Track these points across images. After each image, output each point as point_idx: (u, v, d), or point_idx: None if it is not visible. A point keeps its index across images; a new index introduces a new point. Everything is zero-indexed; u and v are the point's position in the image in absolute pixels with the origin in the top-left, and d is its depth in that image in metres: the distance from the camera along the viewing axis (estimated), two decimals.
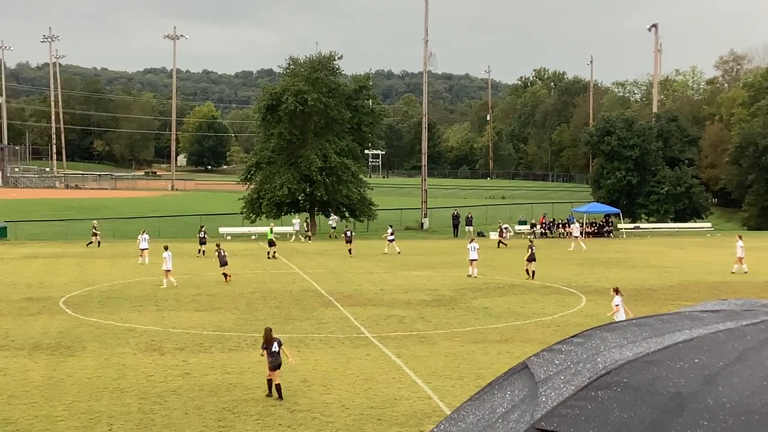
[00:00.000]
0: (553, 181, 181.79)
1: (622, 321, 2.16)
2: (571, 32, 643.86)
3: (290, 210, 73.69)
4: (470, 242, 45.21)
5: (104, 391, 21.03)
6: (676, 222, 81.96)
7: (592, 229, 74.66)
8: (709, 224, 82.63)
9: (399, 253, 55.14)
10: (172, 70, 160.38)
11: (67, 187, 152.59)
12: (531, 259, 43.03)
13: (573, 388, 1.87)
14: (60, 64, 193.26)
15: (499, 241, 62.40)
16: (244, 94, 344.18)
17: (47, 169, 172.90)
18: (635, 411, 1.73)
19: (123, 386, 21.43)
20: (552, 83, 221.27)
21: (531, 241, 45.75)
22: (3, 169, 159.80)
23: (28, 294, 37.39)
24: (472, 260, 43.67)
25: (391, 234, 57.63)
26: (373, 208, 74.69)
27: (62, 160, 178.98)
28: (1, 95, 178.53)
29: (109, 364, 23.85)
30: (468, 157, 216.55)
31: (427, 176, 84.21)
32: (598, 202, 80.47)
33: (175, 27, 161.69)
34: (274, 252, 52.93)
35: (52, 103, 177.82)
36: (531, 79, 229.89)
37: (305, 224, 69.22)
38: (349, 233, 58.06)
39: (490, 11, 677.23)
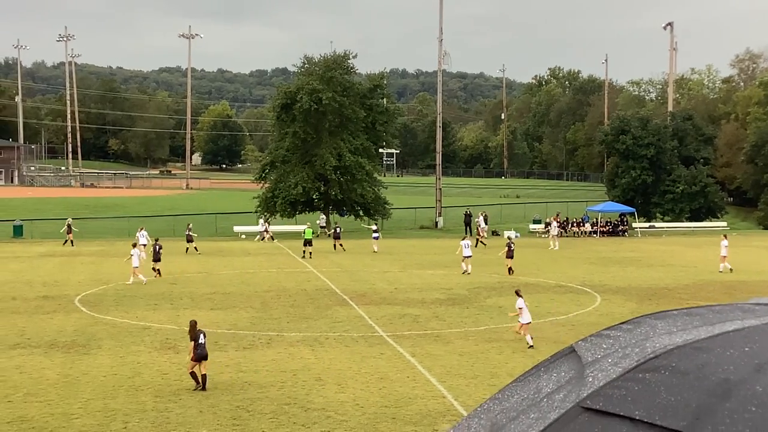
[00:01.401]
0: (567, 180, 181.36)
1: (672, 310, 2.17)
2: (586, 31, 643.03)
3: (305, 209, 73.78)
4: (463, 240, 46.68)
5: (119, 389, 21.12)
6: (691, 221, 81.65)
7: (607, 228, 74.54)
8: (724, 223, 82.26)
9: (375, 251, 55.17)
10: (186, 69, 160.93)
11: (82, 185, 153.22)
12: (509, 256, 44.70)
13: (621, 369, 1.89)
14: (75, 63, 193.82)
15: (478, 239, 60.80)
16: (259, 93, 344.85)
17: (63, 168, 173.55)
18: (682, 394, 1.74)
19: (138, 384, 21.51)
20: (567, 82, 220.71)
21: (510, 239, 47.70)
22: (19, 167, 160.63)
23: (43, 292, 37.56)
24: (466, 257, 44.98)
25: (375, 231, 57.81)
26: (387, 207, 74.62)
27: (78, 159, 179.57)
28: (18, 94, 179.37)
29: (124, 362, 23.94)
30: (482, 156, 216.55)
31: (441, 175, 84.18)
32: (612, 201, 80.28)
33: (189, 26, 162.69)
34: (310, 252, 52.74)
35: (68, 102, 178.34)
36: (546, 77, 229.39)
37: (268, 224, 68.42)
38: (337, 230, 58.46)
39: (504, 10, 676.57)
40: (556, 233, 62.96)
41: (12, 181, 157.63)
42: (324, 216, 73.46)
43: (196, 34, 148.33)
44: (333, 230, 59.06)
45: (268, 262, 50.76)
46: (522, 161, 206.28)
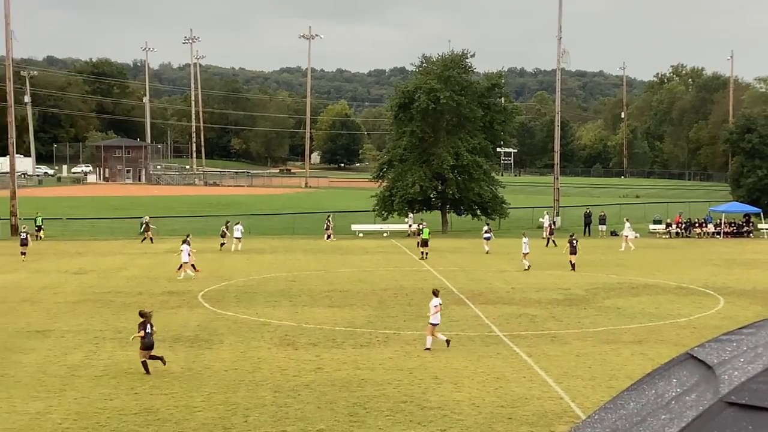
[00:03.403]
0: (689, 179, 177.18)
1: None
2: (710, 27, 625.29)
3: (422, 207, 73.86)
4: (524, 236, 48.14)
5: (240, 383, 21.60)
6: None
7: (731, 228, 72.56)
8: None
9: (487, 252, 54.62)
10: (306, 69, 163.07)
11: (205, 184, 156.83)
12: (572, 252, 45.73)
13: (761, 366, 1.89)
14: (200, 65, 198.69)
15: (548, 239, 60.25)
16: (377, 93, 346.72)
17: (187, 167, 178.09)
18: None
19: (258, 379, 21.96)
20: (690, 79, 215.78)
21: (572, 235, 48.01)
22: (146, 166, 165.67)
23: (168, 288, 38.63)
24: (525, 254, 46.74)
25: (487, 232, 57.38)
26: (505, 206, 74.16)
27: (201, 158, 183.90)
28: (145, 95, 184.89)
29: (245, 357, 24.46)
30: (601, 155, 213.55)
31: (559, 174, 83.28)
32: (737, 201, 78.10)
33: (309, 27, 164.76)
34: (426, 252, 52.10)
35: (193, 103, 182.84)
36: (668, 75, 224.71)
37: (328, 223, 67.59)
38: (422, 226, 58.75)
39: (624, 6, 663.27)
40: (628, 234, 59.55)
41: (139, 180, 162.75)
42: (412, 215, 72.81)
43: (316, 35, 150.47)
44: (418, 225, 59.15)
45: (386, 260, 51.07)
46: (642, 160, 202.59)
